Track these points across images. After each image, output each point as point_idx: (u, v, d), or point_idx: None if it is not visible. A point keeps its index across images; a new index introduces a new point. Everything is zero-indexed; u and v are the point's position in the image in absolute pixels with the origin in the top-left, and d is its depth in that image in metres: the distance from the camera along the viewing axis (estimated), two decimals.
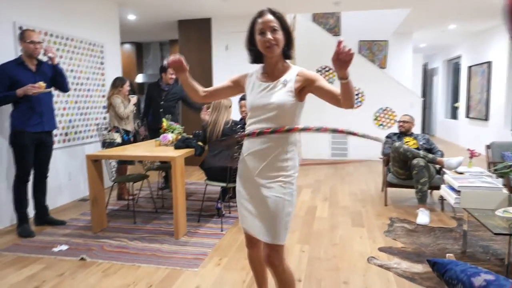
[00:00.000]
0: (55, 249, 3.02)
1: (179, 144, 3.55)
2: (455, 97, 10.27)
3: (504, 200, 2.94)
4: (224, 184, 3.52)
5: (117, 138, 4.24)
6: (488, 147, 4.24)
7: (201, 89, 1.83)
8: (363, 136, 1.64)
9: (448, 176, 3.51)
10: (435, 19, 6.86)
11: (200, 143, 3.69)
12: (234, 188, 4.09)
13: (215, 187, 4.33)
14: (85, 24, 4.70)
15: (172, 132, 3.95)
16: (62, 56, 4.31)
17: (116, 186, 4.49)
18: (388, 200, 4.32)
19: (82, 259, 2.83)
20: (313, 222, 3.66)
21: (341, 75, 1.42)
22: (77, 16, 4.57)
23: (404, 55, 8.44)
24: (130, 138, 4.48)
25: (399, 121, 4.35)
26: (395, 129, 6.59)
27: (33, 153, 3.39)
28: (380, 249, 2.97)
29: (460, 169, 3.68)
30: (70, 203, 4.43)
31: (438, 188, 3.85)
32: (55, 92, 3.95)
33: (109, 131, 4.33)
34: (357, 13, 7.64)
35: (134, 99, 4.50)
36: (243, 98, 4.15)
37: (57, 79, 3.50)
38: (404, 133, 4.30)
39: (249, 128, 1.71)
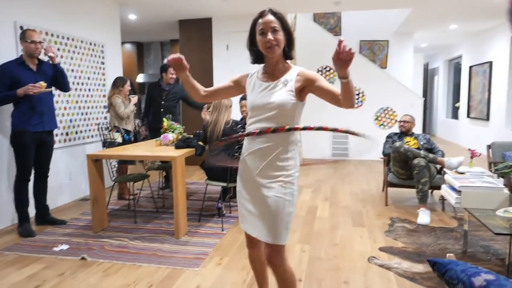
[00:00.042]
0: (56, 249, 3.02)
1: (180, 144, 3.55)
2: (456, 97, 10.27)
3: (505, 200, 2.94)
4: (224, 184, 3.52)
5: (118, 137, 4.25)
6: (489, 147, 4.24)
7: (202, 88, 1.83)
8: (348, 132, 1.65)
9: (449, 176, 3.51)
10: (436, 19, 6.85)
11: (200, 143, 3.69)
12: (234, 187, 4.09)
13: (216, 187, 4.33)
14: (85, 24, 4.70)
15: (173, 132, 3.96)
16: (63, 56, 4.31)
17: (117, 186, 4.49)
18: (388, 200, 4.32)
19: (82, 258, 2.83)
20: (314, 222, 3.66)
21: (342, 74, 1.42)
22: (78, 15, 4.58)
23: (405, 55, 8.44)
24: (130, 138, 4.48)
25: (400, 121, 4.35)
26: (395, 129, 6.59)
27: (34, 152, 3.39)
28: (381, 249, 2.97)
29: (461, 169, 3.68)
30: (70, 203, 4.44)
31: (438, 188, 3.85)
32: (55, 92, 3.96)
33: (110, 130, 4.33)
34: (357, 13, 7.64)
35: (134, 99, 4.50)
36: (243, 98, 4.15)
37: (58, 79, 3.50)
38: (405, 133, 4.30)
39: (249, 128, 1.71)
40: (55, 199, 4.21)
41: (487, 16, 6.53)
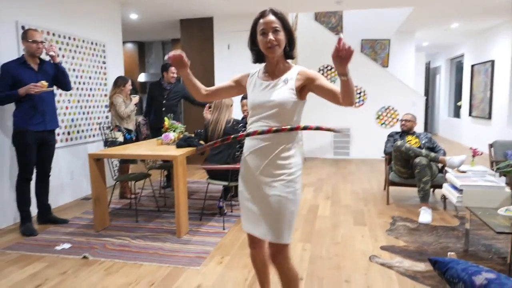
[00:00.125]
0: (58, 248, 3.03)
1: (181, 143, 3.56)
2: (458, 96, 10.24)
3: (506, 198, 2.94)
4: (226, 183, 3.52)
5: (119, 137, 4.26)
6: (491, 145, 4.23)
7: (203, 87, 1.84)
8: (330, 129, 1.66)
9: (451, 175, 3.50)
10: (438, 17, 6.83)
11: (201, 142, 3.69)
12: (236, 186, 4.10)
13: (217, 186, 4.33)
14: (87, 23, 4.71)
15: (174, 131, 3.96)
16: (64, 56, 4.32)
17: (119, 185, 4.50)
18: (390, 199, 4.31)
19: (84, 257, 2.84)
20: (315, 221, 3.66)
21: (341, 71, 1.42)
22: (79, 15, 4.58)
23: (406, 54, 8.42)
24: (132, 137, 4.49)
25: (401, 120, 4.34)
26: (397, 128, 6.59)
27: (35, 152, 3.40)
28: (382, 248, 2.97)
29: (462, 167, 3.68)
30: (72, 202, 4.45)
31: (440, 186, 3.84)
32: (57, 91, 3.97)
33: (111, 130, 4.34)
34: (359, 11, 7.63)
35: (135, 99, 4.50)
36: (245, 97, 4.15)
37: (59, 78, 3.51)
38: (407, 132, 4.29)
39: (250, 127, 1.71)
40: (57, 198, 4.22)
41: (489, 14, 6.51)
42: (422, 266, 2.62)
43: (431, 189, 4.12)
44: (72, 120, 4.46)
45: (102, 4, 5.02)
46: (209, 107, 3.86)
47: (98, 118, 4.92)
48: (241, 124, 3.63)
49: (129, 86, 4.46)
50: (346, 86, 1.47)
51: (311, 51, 7.03)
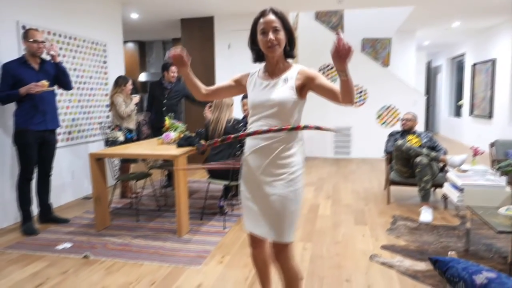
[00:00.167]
0: (59, 247, 3.04)
1: (182, 143, 3.56)
2: (459, 95, 10.22)
3: (507, 198, 2.93)
4: (226, 182, 3.52)
5: (120, 136, 4.26)
6: (492, 145, 4.22)
7: (203, 87, 1.84)
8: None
9: (451, 174, 3.50)
10: (439, 16, 6.82)
11: (202, 141, 3.69)
12: (236, 186, 4.10)
13: (218, 185, 4.33)
14: (88, 23, 4.71)
15: (175, 130, 3.96)
16: (65, 55, 4.32)
17: (119, 184, 4.51)
18: (391, 198, 4.31)
19: (85, 256, 2.85)
20: (316, 220, 3.66)
21: (341, 69, 1.41)
22: (80, 15, 4.59)
23: (407, 53, 8.41)
24: (133, 137, 4.49)
25: (402, 119, 4.34)
26: (398, 127, 6.58)
27: (36, 151, 3.41)
28: (383, 247, 2.97)
29: (463, 167, 3.67)
30: (73, 201, 4.46)
31: (441, 186, 3.84)
32: (58, 91, 3.97)
33: (112, 129, 4.34)
34: (360, 11, 7.62)
35: (136, 98, 4.51)
36: (246, 97, 4.15)
37: (60, 77, 3.52)
38: (407, 131, 4.28)
39: (251, 126, 1.71)
40: (58, 198, 4.23)
41: (491, 13, 6.50)
42: (422, 266, 2.62)
43: (432, 189, 4.11)
44: (73, 119, 4.46)
45: (103, 3, 5.02)
46: (210, 107, 3.87)
47: (99, 117, 4.92)
48: (241, 124, 3.63)
49: (129, 85, 4.46)
50: (345, 85, 1.47)
51: (311, 51, 7.03)
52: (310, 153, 7.36)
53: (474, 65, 8.63)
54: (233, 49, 6.28)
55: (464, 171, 3.58)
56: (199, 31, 6.44)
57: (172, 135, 3.84)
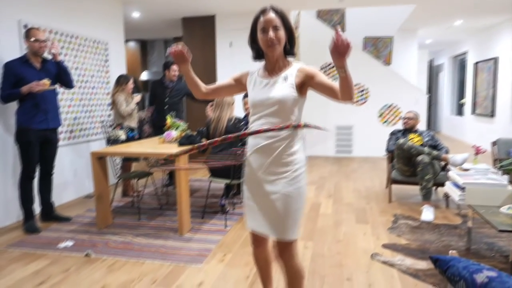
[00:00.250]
0: (61, 245, 3.05)
1: (183, 141, 3.56)
2: (461, 94, 10.20)
3: (509, 197, 2.93)
4: (228, 181, 3.53)
5: (122, 135, 4.27)
6: (494, 143, 4.21)
7: (203, 85, 1.83)
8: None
9: (453, 173, 3.50)
10: (441, 15, 6.80)
11: (203, 140, 3.70)
12: (238, 185, 4.11)
13: (219, 184, 4.34)
14: (89, 22, 4.72)
15: (176, 129, 3.97)
16: (67, 54, 4.33)
17: (121, 183, 4.52)
18: (392, 197, 4.31)
19: (87, 255, 2.86)
20: (317, 219, 3.66)
21: (339, 65, 1.40)
22: (82, 14, 4.59)
23: (409, 52, 8.39)
24: (134, 135, 4.50)
25: (404, 118, 4.33)
26: (399, 125, 6.57)
27: (38, 150, 3.42)
28: (384, 246, 2.97)
29: (465, 165, 3.66)
30: (75, 200, 4.47)
31: (442, 185, 3.84)
32: (60, 90, 3.98)
33: (114, 128, 4.35)
34: (361, 9, 7.60)
35: (137, 97, 4.51)
36: (247, 95, 4.15)
37: (61, 76, 3.52)
38: (409, 129, 4.27)
39: (252, 125, 1.71)
40: (60, 196, 4.24)
41: (493, 12, 6.47)
42: (424, 264, 2.62)
43: (434, 187, 4.11)
44: (75, 118, 4.47)
45: (105, 2, 5.03)
46: (212, 105, 3.87)
47: (101, 116, 4.93)
48: (243, 122, 3.63)
49: (131, 84, 4.47)
50: (344, 81, 1.46)
51: (313, 49, 7.02)
52: (311, 152, 7.36)
53: (476, 63, 8.61)
54: (235, 47, 6.28)
55: (466, 170, 3.57)
56: (200, 30, 6.44)
57: (174, 133, 3.84)
